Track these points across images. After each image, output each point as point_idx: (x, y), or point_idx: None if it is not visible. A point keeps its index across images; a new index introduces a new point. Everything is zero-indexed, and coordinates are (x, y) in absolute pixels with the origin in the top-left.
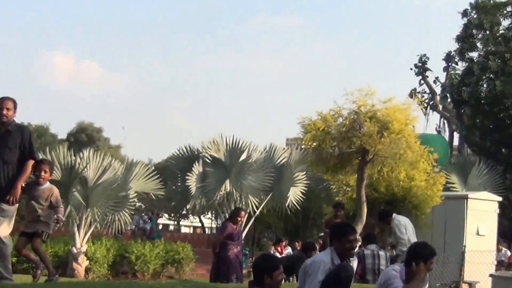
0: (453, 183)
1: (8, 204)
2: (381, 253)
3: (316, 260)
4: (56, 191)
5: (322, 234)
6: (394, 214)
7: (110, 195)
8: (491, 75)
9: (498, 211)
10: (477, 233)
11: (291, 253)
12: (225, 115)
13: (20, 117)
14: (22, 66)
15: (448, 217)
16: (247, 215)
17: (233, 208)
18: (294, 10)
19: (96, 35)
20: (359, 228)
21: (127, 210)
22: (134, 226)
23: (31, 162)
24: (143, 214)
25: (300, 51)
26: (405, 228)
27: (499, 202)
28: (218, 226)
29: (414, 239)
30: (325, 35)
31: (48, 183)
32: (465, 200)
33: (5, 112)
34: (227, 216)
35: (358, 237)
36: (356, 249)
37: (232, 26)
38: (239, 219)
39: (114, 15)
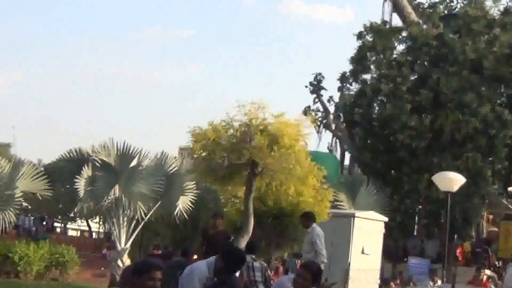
0: (341, 202)
1: None
2: (256, 264)
3: (193, 268)
4: None
5: None
6: (314, 224)
7: None
8: (382, 98)
9: (384, 231)
10: (362, 252)
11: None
12: (117, 120)
13: None
14: None
15: (335, 234)
16: (134, 221)
17: (120, 213)
18: (187, 22)
19: None
20: (245, 240)
21: (12, 210)
22: (19, 226)
23: None
24: (29, 214)
25: (194, 61)
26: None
27: (385, 223)
28: (106, 231)
29: None
30: (218, 48)
31: None
32: (352, 219)
33: None
34: (114, 221)
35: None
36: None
37: (126, 34)
38: None
39: (9, 12)
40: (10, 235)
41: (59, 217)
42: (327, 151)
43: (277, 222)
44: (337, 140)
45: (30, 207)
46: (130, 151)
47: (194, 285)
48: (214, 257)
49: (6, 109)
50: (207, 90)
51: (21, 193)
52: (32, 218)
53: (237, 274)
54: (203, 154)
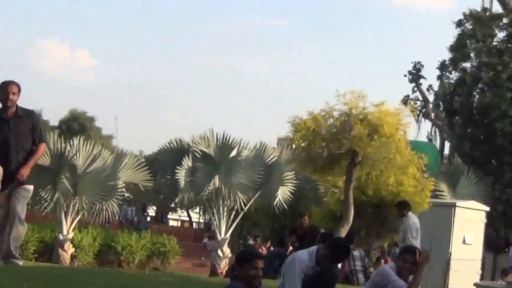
0: (441, 191)
1: (19, 183)
2: (355, 253)
3: (295, 258)
4: None
5: None
6: (410, 213)
7: (98, 184)
8: (483, 86)
9: (485, 221)
10: (463, 242)
11: None
12: (216, 111)
13: None
14: (16, 52)
15: (435, 224)
16: (234, 212)
17: (220, 203)
18: (286, 12)
19: (92, 25)
20: (345, 230)
21: (115, 200)
22: (121, 216)
23: (43, 145)
24: (133, 207)
25: (293, 52)
26: (417, 232)
27: (487, 212)
28: (206, 221)
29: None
30: (317, 37)
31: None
32: (453, 208)
33: (10, 96)
34: (215, 212)
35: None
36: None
37: (226, 25)
38: None
39: (113, 6)
40: (113, 225)
41: (160, 207)
42: (427, 140)
43: (377, 212)
44: (437, 129)
45: (132, 197)
46: (230, 142)
47: (296, 273)
48: (316, 246)
49: (109, 100)
50: (306, 80)
51: (124, 184)
52: (134, 208)
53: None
54: (303, 144)
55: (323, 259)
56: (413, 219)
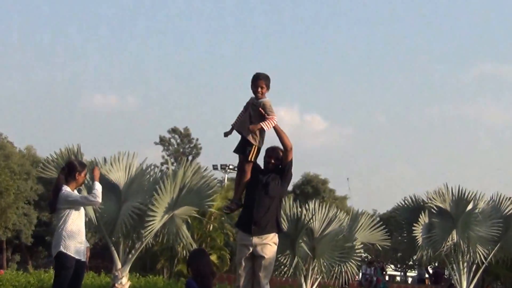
0: None
1: None
2: None
3: None
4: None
5: None
6: None
7: (336, 246)
8: None
9: None
10: None
11: None
12: (449, 164)
13: None
14: None
15: None
16: (475, 266)
17: (460, 258)
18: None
19: (319, 88)
20: None
21: (353, 261)
22: (360, 276)
23: None
24: (375, 263)
25: None
26: None
27: None
28: (446, 276)
29: None
30: None
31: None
32: None
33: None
34: (454, 267)
35: None
36: None
37: (453, 74)
38: None
39: (334, 68)
40: (353, 286)
41: (398, 265)
42: None
43: None
44: None
45: (369, 257)
46: (465, 195)
47: None
48: None
49: (340, 161)
50: None
51: (361, 245)
52: (373, 268)
53: None
54: None
55: None
56: None
